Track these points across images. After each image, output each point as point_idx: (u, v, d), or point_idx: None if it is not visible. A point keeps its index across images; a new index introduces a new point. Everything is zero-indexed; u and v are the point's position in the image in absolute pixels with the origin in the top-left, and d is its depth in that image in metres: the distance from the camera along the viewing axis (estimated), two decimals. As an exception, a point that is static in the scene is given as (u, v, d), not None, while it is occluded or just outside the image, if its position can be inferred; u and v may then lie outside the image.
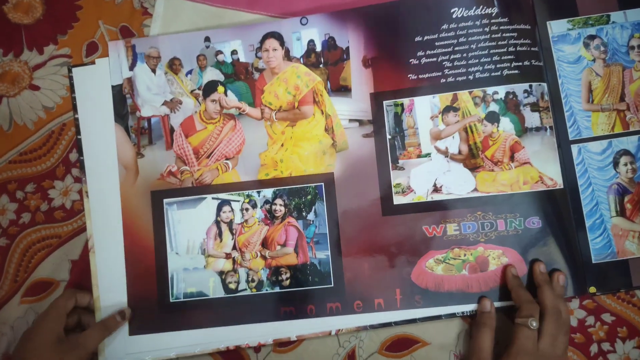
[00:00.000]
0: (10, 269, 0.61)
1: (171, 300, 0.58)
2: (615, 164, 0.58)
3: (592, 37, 0.60)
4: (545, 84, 0.58)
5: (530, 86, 0.58)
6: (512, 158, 0.58)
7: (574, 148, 0.59)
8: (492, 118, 0.58)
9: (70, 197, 0.62)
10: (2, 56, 0.64)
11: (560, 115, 0.59)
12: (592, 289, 0.57)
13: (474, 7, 0.58)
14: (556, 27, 0.60)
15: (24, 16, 0.64)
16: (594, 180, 0.58)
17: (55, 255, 0.61)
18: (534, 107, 0.58)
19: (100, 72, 0.61)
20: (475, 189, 0.58)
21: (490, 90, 0.58)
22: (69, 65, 0.62)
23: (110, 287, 0.59)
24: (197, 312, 0.58)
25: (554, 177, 0.57)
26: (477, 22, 0.58)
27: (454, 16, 0.58)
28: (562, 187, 0.57)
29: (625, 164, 0.58)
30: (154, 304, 0.58)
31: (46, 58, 0.63)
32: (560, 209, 0.57)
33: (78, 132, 0.61)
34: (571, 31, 0.60)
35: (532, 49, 0.58)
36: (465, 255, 0.57)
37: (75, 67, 0.62)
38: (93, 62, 0.62)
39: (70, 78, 0.62)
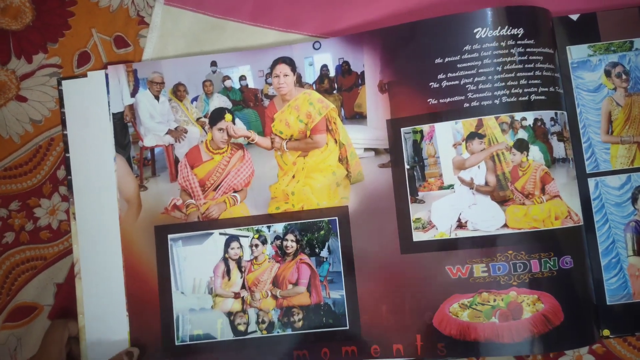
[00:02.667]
0: (-8, 292, 0.58)
1: (176, 343, 0.55)
2: (634, 200, 0.55)
3: (613, 65, 0.56)
4: (565, 113, 0.55)
5: (556, 114, 0.54)
6: (543, 190, 0.54)
7: (591, 182, 0.55)
8: (522, 146, 0.54)
9: (57, 217, 0.59)
10: None
11: (577, 147, 0.55)
12: (606, 332, 0.53)
13: (499, 28, 0.54)
14: (576, 52, 0.56)
15: (13, 21, 0.61)
16: (611, 216, 0.55)
17: (40, 278, 0.58)
18: (560, 136, 0.54)
19: (92, 87, 0.58)
20: (505, 225, 0.53)
21: (518, 115, 0.54)
22: (58, 77, 0.59)
23: (101, 319, 0.55)
24: (204, 356, 0.55)
25: (577, 212, 0.54)
26: (503, 43, 0.54)
27: (477, 37, 0.54)
28: (581, 223, 0.54)
29: None
30: (159, 347, 0.55)
31: (35, 67, 0.60)
32: (581, 247, 0.53)
33: (67, 149, 0.58)
34: (592, 57, 0.56)
35: (555, 74, 0.54)
36: (495, 300, 0.53)
37: (65, 79, 0.59)
38: (85, 75, 0.58)
39: (60, 91, 0.58)
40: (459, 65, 0.54)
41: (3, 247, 0.58)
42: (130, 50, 0.60)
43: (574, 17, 0.57)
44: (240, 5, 0.60)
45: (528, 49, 0.54)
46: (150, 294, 0.56)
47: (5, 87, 0.60)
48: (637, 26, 0.57)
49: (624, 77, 0.56)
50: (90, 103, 0.58)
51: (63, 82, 0.59)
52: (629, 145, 0.56)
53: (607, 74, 0.57)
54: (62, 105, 0.58)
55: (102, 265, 0.56)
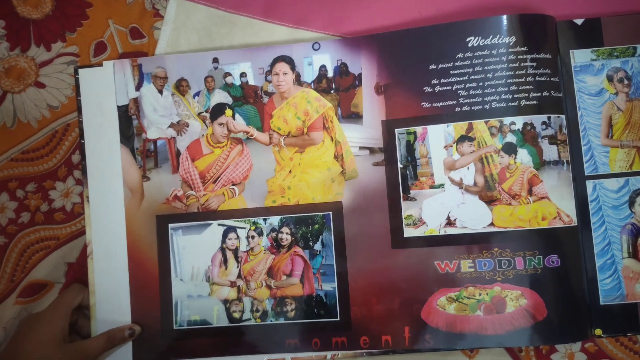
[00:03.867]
0: (7, 269, 0.60)
1: (174, 327, 0.57)
2: (631, 203, 0.56)
3: (616, 70, 0.57)
4: (563, 117, 0.56)
5: (549, 118, 0.55)
6: (530, 192, 0.55)
7: (589, 184, 0.56)
8: (510, 149, 0.56)
9: (71, 200, 0.61)
10: (9, 50, 0.62)
11: (577, 149, 0.56)
12: (598, 331, 0.55)
13: (491, 36, 0.55)
14: (579, 56, 0.57)
15: (33, 10, 0.63)
16: (608, 218, 0.56)
17: (53, 257, 0.60)
18: (552, 139, 0.55)
19: (107, 76, 0.60)
20: (492, 224, 0.55)
21: (507, 120, 0.55)
22: (75, 66, 0.61)
23: (109, 299, 0.58)
24: (200, 341, 0.57)
25: (570, 213, 0.55)
26: (494, 51, 0.55)
27: (469, 45, 0.56)
28: (575, 224, 0.55)
29: None
30: (157, 331, 0.57)
31: (53, 55, 0.62)
32: (575, 247, 0.55)
33: (82, 135, 0.60)
34: (595, 62, 0.57)
35: (552, 79, 0.56)
36: (480, 294, 0.55)
37: (82, 67, 0.61)
38: (100, 64, 0.60)
39: (77, 79, 0.60)
40: (451, 72, 0.56)
41: (19, 226, 0.61)
42: (145, 41, 0.62)
43: (579, 21, 0.57)
44: (252, 0, 0.62)
45: (520, 56, 0.55)
46: (151, 280, 0.58)
47: (24, 73, 0.62)
48: None
49: (625, 82, 0.57)
50: (104, 91, 0.60)
51: (80, 70, 0.61)
52: (628, 150, 0.57)
53: (610, 78, 0.57)
54: (78, 92, 0.61)
55: (110, 248, 0.59)
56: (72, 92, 0.62)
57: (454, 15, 0.60)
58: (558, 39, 0.57)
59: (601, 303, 0.55)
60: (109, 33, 0.62)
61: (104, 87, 0.60)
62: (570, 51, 0.57)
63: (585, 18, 0.57)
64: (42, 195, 0.61)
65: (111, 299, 0.58)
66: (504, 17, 0.56)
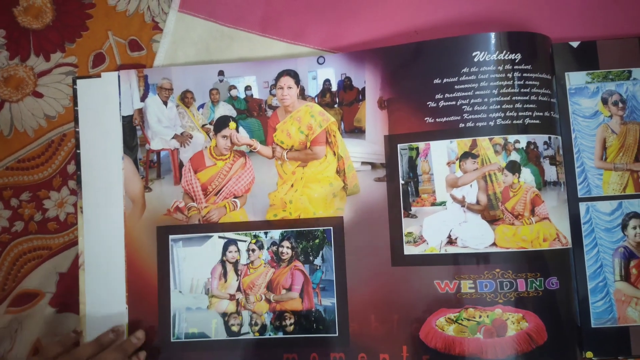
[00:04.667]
0: (-1, 278, 0.61)
1: (172, 340, 0.57)
2: (624, 226, 0.56)
3: (611, 93, 0.57)
4: (560, 138, 0.56)
5: (550, 138, 0.55)
6: (532, 212, 0.55)
7: (582, 206, 0.56)
8: (514, 168, 0.55)
9: (65, 209, 0.61)
10: (9, 59, 0.63)
11: (570, 171, 0.56)
12: (589, 354, 0.54)
13: (497, 52, 0.55)
14: (574, 79, 0.57)
15: (34, 21, 0.63)
16: (600, 241, 0.56)
17: (44, 267, 0.60)
18: (552, 160, 0.55)
19: (105, 87, 0.60)
20: (494, 244, 0.55)
21: (511, 138, 0.55)
22: (74, 76, 0.62)
23: (100, 309, 0.58)
24: (197, 354, 0.57)
25: (566, 234, 0.55)
26: (500, 67, 0.55)
27: (475, 60, 0.55)
28: (570, 246, 0.55)
29: (635, 227, 0.55)
30: (155, 343, 0.57)
31: (52, 65, 0.63)
32: (567, 269, 0.54)
33: (78, 146, 0.60)
34: (590, 84, 0.57)
35: (552, 100, 0.56)
36: (480, 316, 0.54)
37: (80, 78, 0.61)
38: (99, 75, 0.61)
39: (74, 90, 0.61)
40: (456, 87, 0.56)
41: (12, 235, 0.61)
42: (144, 53, 0.63)
43: (575, 44, 0.58)
44: (250, 15, 0.62)
45: (525, 74, 0.55)
46: (149, 291, 0.58)
47: (23, 82, 0.63)
48: (636, 56, 0.57)
49: (620, 105, 0.57)
50: (102, 103, 0.60)
51: (78, 81, 0.61)
52: (622, 172, 0.57)
53: (604, 101, 0.57)
54: (75, 103, 0.61)
55: (105, 259, 0.59)
56: (69, 102, 0.62)
57: (449, 30, 0.60)
58: (554, 61, 0.57)
59: (592, 326, 0.55)
60: (108, 44, 0.63)
61: (102, 98, 0.60)
62: (566, 73, 0.57)
63: (581, 41, 0.58)
64: (37, 205, 0.62)
65: (103, 309, 0.58)
66: (510, 33, 0.56)
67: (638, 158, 0.57)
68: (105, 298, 0.58)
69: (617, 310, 0.55)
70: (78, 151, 0.60)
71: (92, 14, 0.64)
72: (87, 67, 0.63)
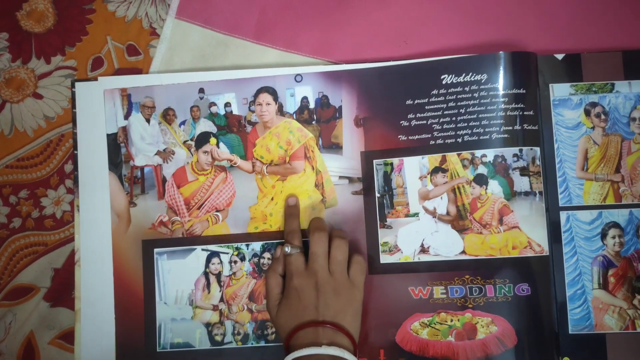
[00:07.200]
0: (-5, 272, 0.63)
1: (158, 350, 0.59)
2: (604, 235, 0.58)
3: (593, 105, 0.59)
4: (538, 149, 0.58)
5: (521, 150, 0.58)
6: (500, 221, 0.58)
7: (563, 215, 0.58)
8: (481, 180, 0.58)
9: (61, 207, 0.63)
10: (11, 62, 0.65)
11: (552, 180, 0.59)
12: (566, 359, 0.57)
13: (464, 74, 0.58)
14: (558, 90, 0.59)
15: (36, 24, 0.65)
16: (580, 249, 0.58)
17: (40, 262, 0.62)
18: (523, 171, 0.58)
19: (102, 91, 0.63)
20: (463, 252, 0.58)
21: (478, 153, 0.58)
22: (73, 79, 0.64)
23: (93, 304, 0.60)
24: (183, 363, 0.59)
25: (541, 243, 0.57)
26: (467, 88, 0.58)
27: (443, 82, 0.58)
28: (547, 254, 0.57)
29: (614, 237, 0.58)
30: (141, 353, 0.59)
31: (52, 68, 0.65)
32: (545, 276, 0.57)
33: (75, 146, 0.62)
34: (573, 96, 0.59)
35: (526, 112, 0.58)
36: (452, 320, 0.57)
37: (78, 81, 0.63)
38: (96, 78, 0.63)
39: (73, 92, 0.63)
40: (426, 107, 0.59)
41: (10, 231, 0.63)
42: (141, 58, 0.64)
43: (559, 56, 0.59)
44: (245, 23, 0.64)
45: (491, 92, 0.58)
46: (136, 302, 0.60)
47: (24, 84, 0.65)
48: (619, 69, 0.59)
49: (602, 117, 0.59)
50: (98, 106, 0.62)
51: (76, 83, 0.63)
52: (602, 183, 0.59)
53: (587, 113, 0.59)
54: (74, 105, 0.63)
55: (98, 257, 0.61)
56: (67, 104, 0.64)
57: (438, 41, 0.62)
58: (538, 73, 0.59)
59: (570, 332, 0.57)
60: (107, 49, 0.65)
61: (98, 101, 0.62)
62: (550, 85, 0.59)
63: (566, 53, 0.59)
64: (34, 202, 0.63)
65: (96, 304, 0.60)
66: (476, 56, 0.58)
67: (619, 169, 0.59)
68: (97, 294, 0.60)
69: (595, 318, 0.57)
70: (75, 152, 0.62)
71: (92, 19, 0.65)
72: (86, 71, 0.65)
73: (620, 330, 0.57)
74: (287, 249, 0.55)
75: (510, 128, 0.58)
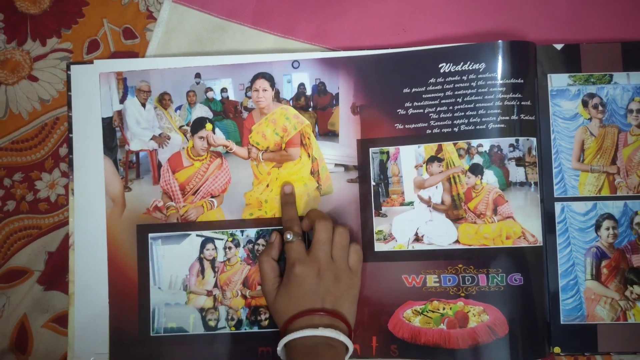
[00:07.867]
0: (-11, 255, 0.63)
1: (151, 334, 0.59)
2: (598, 227, 0.58)
3: (591, 96, 0.59)
4: (534, 139, 0.58)
5: (517, 140, 0.58)
6: (495, 211, 0.58)
7: (558, 205, 0.59)
8: (476, 170, 0.58)
9: (55, 191, 0.63)
10: (6, 43, 0.64)
11: (547, 171, 0.59)
12: (557, 349, 0.57)
13: (462, 63, 0.58)
14: (556, 80, 0.59)
15: (32, 6, 0.64)
16: (574, 240, 0.58)
17: (34, 245, 0.62)
18: (519, 161, 0.58)
19: (97, 74, 0.62)
20: (457, 241, 0.58)
21: (474, 142, 0.58)
22: (68, 62, 0.63)
23: (87, 288, 0.60)
24: (176, 348, 0.59)
25: (535, 233, 0.57)
26: (464, 77, 0.58)
27: (441, 71, 0.58)
28: (541, 244, 0.58)
29: (608, 228, 0.58)
30: (135, 337, 0.59)
31: (48, 50, 0.64)
32: (538, 267, 0.57)
33: (70, 129, 0.62)
34: (571, 87, 0.59)
35: (524, 102, 0.58)
36: (444, 309, 0.57)
37: (74, 64, 0.63)
38: (91, 62, 0.62)
39: (68, 75, 0.62)
40: (424, 96, 0.59)
41: (4, 214, 0.63)
42: (137, 42, 0.64)
43: (558, 46, 0.59)
44: (243, 8, 0.63)
45: (488, 82, 0.57)
46: (130, 287, 0.60)
47: (19, 66, 0.64)
48: (618, 61, 0.59)
49: (600, 108, 0.59)
50: (94, 89, 0.62)
51: (72, 66, 0.62)
52: (598, 174, 0.59)
53: (584, 104, 0.59)
54: (69, 88, 0.62)
55: (92, 241, 0.61)
56: (63, 87, 0.64)
57: (436, 28, 0.62)
58: (537, 63, 0.59)
59: (562, 322, 0.57)
60: (103, 32, 0.64)
61: (93, 84, 0.62)
62: (548, 75, 0.59)
63: (565, 43, 0.59)
64: (28, 185, 0.63)
65: (91, 288, 0.60)
66: (474, 44, 0.58)
67: (614, 161, 0.59)
68: (91, 278, 0.60)
69: (587, 308, 0.58)
70: (70, 135, 0.62)
71: (89, 1, 0.65)
72: (81, 53, 0.64)
73: (612, 321, 0.57)
74: (289, 236, 0.55)
75: (507, 118, 0.58)
